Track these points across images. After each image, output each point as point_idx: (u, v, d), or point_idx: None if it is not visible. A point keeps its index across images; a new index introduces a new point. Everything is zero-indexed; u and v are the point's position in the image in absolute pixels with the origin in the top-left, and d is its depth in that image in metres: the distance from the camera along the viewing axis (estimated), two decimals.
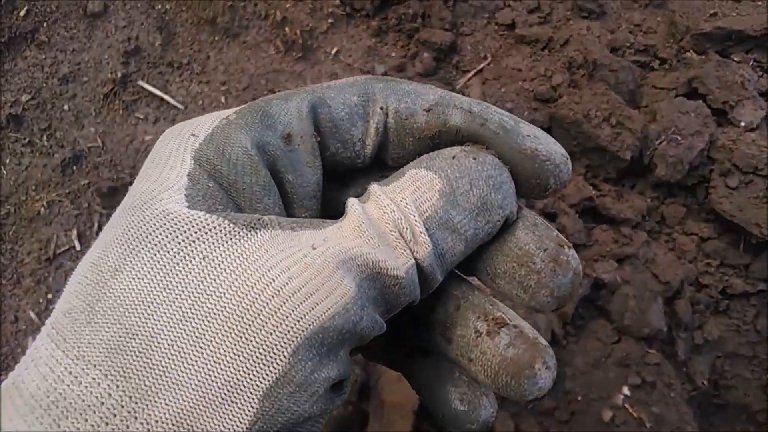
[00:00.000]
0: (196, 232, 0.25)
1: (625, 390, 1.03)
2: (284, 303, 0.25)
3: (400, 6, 1.47)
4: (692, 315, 1.13)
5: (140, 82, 1.37)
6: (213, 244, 0.25)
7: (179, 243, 0.25)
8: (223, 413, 0.23)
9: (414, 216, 0.29)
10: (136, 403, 0.23)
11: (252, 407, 0.23)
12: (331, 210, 0.35)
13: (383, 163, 0.36)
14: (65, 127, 1.34)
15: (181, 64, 1.41)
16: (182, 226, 0.25)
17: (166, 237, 0.25)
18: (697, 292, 1.15)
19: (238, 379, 0.23)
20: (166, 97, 1.35)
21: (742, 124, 1.21)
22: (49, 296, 1.15)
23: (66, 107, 1.37)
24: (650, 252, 1.15)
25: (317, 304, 0.25)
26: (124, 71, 1.38)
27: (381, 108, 0.33)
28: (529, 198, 0.33)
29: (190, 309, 0.24)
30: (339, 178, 0.36)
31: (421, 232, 0.28)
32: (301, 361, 0.24)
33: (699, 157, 1.18)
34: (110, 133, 1.33)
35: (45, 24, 1.46)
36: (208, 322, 0.24)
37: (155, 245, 0.25)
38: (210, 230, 0.26)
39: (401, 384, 0.97)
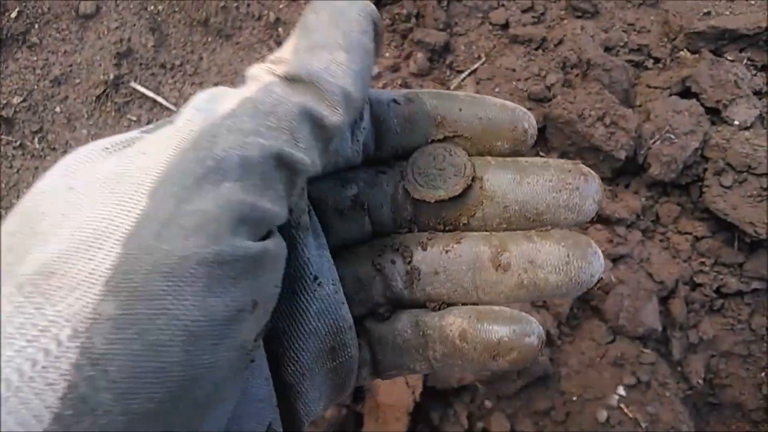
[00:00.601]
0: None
1: (621, 390, 1.03)
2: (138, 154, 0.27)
3: (393, 6, 1.47)
4: (687, 314, 1.13)
5: (133, 84, 1.36)
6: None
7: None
8: (87, 258, 0.23)
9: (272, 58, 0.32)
10: (23, 253, 0.24)
11: (114, 250, 0.23)
12: (333, 210, 0.37)
13: (379, 159, 0.39)
14: (57, 129, 1.34)
15: (174, 65, 1.40)
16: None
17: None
18: (691, 291, 1.15)
19: (102, 228, 0.24)
20: (158, 98, 1.35)
21: (736, 122, 1.21)
22: None
23: (58, 109, 1.36)
24: (645, 251, 1.15)
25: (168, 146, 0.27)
26: (116, 73, 1.37)
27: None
28: (518, 150, 0.38)
29: (71, 188, 0.27)
30: (337, 177, 0.38)
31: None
32: (162, 199, 0.25)
33: (693, 156, 1.18)
34: (103, 135, 1.32)
35: (37, 25, 1.45)
36: (81, 193, 0.26)
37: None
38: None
39: (396, 385, 0.96)
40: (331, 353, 0.35)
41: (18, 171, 1.27)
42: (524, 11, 1.49)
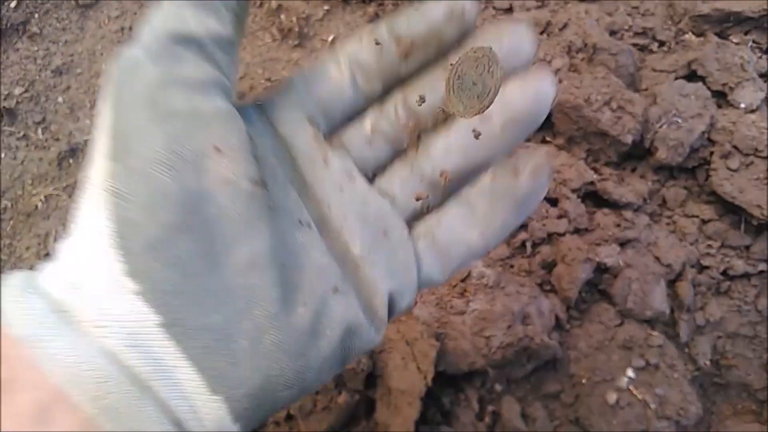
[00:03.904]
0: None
1: (629, 372, 1.04)
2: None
3: None
4: (694, 296, 1.14)
5: None
6: None
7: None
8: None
9: None
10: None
11: (105, 107, 0.34)
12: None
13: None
14: (60, 120, 1.33)
15: None
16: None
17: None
18: (698, 273, 1.16)
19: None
20: None
21: (742, 105, 1.21)
22: None
23: (60, 100, 1.35)
24: (652, 235, 1.15)
25: None
26: None
27: None
28: (466, 32, 0.42)
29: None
30: None
31: None
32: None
33: (700, 139, 1.18)
34: None
35: (36, 15, 1.44)
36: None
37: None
38: None
39: (408, 371, 0.97)
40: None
41: (22, 162, 1.27)
42: None
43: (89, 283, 0.30)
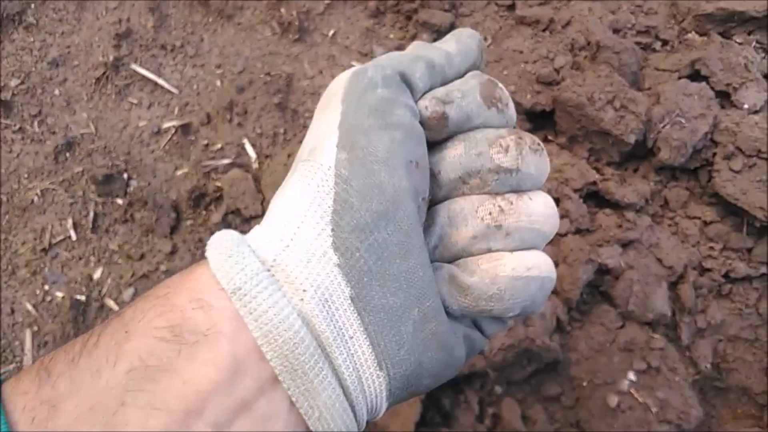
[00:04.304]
0: None
1: (631, 375, 1.03)
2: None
3: None
4: (695, 299, 1.13)
5: (133, 66, 1.33)
6: None
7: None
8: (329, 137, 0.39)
9: None
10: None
11: (338, 105, 0.39)
12: None
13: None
14: (56, 112, 1.31)
15: (175, 46, 1.37)
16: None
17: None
18: (700, 276, 1.15)
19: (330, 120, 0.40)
20: (159, 81, 1.32)
21: (746, 106, 1.20)
22: (46, 287, 1.13)
23: (57, 92, 1.33)
24: (654, 236, 1.15)
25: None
26: (116, 54, 1.34)
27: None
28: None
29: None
30: None
31: None
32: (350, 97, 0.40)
33: (702, 140, 1.17)
34: (103, 119, 1.30)
35: (33, 5, 1.42)
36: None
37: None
38: None
39: None
40: None
41: (18, 156, 1.25)
42: None
43: (299, 247, 0.34)
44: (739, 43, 1.31)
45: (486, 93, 0.41)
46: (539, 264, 0.40)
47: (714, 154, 1.19)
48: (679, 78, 1.26)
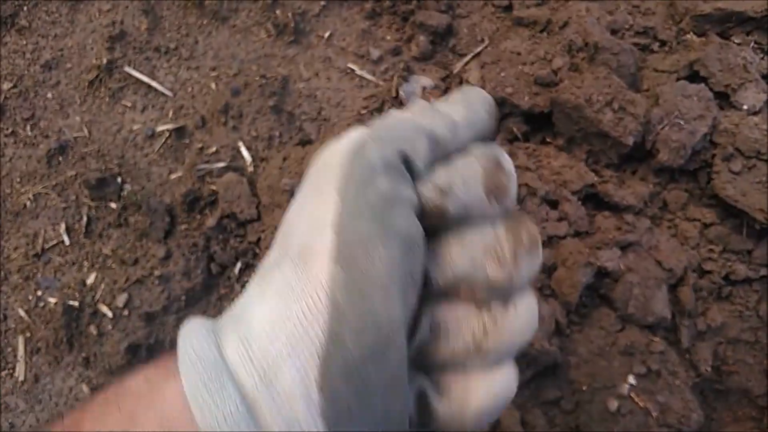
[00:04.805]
0: None
1: (631, 379, 1.02)
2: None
3: None
4: (695, 301, 1.12)
5: (127, 69, 1.32)
6: None
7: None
8: (319, 238, 0.35)
9: None
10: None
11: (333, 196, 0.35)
12: None
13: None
14: (49, 116, 1.30)
15: (169, 49, 1.36)
16: None
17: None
18: (699, 278, 1.14)
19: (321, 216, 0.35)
20: (153, 83, 1.31)
21: (745, 107, 1.20)
22: (39, 293, 1.11)
23: (50, 95, 1.32)
24: (653, 239, 1.14)
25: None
26: (109, 57, 1.33)
27: None
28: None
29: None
30: None
31: None
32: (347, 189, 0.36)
33: (701, 141, 1.16)
34: (96, 122, 1.29)
35: (25, 8, 1.40)
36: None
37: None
38: None
39: None
40: None
41: (10, 160, 1.23)
42: None
43: (282, 386, 0.32)
44: (738, 44, 1.31)
45: (490, 183, 0.38)
46: (507, 387, 0.39)
47: (713, 156, 1.18)
48: (678, 79, 1.25)
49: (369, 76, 1.34)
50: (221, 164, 1.22)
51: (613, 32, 1.36)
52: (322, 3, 1.42)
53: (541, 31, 1.37)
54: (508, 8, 1.42)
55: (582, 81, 1.18)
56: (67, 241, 1.16)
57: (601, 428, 1.00)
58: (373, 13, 1.42)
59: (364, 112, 1.30)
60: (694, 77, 1.26)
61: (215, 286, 1.14)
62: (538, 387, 1.04)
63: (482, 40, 1.39)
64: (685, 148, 1.15)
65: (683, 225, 1.17)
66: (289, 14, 1.38)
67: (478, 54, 1.37)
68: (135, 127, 1.27)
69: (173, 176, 1.22)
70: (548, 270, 1.10)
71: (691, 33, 1.35)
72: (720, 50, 1.24)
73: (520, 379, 1.00)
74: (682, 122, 1.16)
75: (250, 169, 1.22)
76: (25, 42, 1.37)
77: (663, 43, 1.36)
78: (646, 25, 1.38)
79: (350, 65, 1.35)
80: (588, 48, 1.28)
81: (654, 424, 0.99)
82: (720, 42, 1.26)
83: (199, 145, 1.25)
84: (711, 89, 1.22)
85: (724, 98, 1.22)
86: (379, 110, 1.30)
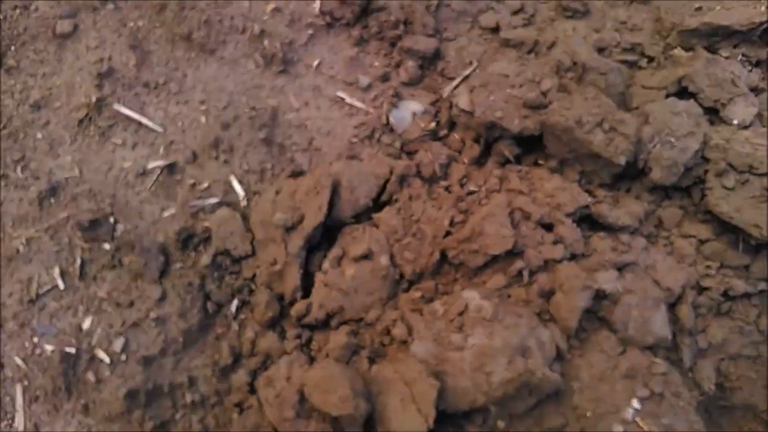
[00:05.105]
0: None
1: (634, 403, 1.02)
2: None
3: (381, 13, 1.43)
4: (695, 319, 1.12)
5: (116, 106, 1.31)
6: None
7: None
8: None
9: None
10: None
11: None
12: None
13: None
14: (40, 157, 1.29)
15: (158, 83, 1.36)
16: None
17: None
18: (698, 295, 1.14)
19: None
20: (143, 120, 1.30)
21: (735, 122, 1.20)
22: (35, 340, 1.11)
23: (39, 135, 1.31)
24: (650, 258, 1.14)
25: None
26: (98, 95, 1.32)
27: None
28: None
29: None
30: None
31: None
32: None
33: (693, 158, 1.16)
34: (87, 161, 1.28)
35: (13, 47, 1.40)
36: None
37: None
38: None
39: (408, 413, 0.94)
40: None
41: (1, 204, 1.22)
42: (514, 13, 1.46)
43: None
44: (726, 57, 1.31)
45: None
46: None
47: (706, 171, 1.18)
48: (667, 95, 1.26)
49: (359, 104, 1.34)
50: (214, 200, 1.21)
51: (601, 50, 1.36)
52: (310, 32, 1.42)
53: (529, 52, 1.37)
54: (495, 30, 1.42)
55: (571, 102, 1.18)
56: (61, 285, 1.15)
57: None
58: (360, 40, 1.42)
59: (354, 140, 1.30)
60: (682, 93, 1.26)
61: (212, 325, 1.13)
62: (542, 415, 1.03)
63: (470, 63, 1.39)
64: (677, 165, 1.15)
65: (679, 242, 1.17)
66: (277, 44, 1.38)
67: (467, 77, 1.36)
68: (126, 165, 1.27)
69: (166, 214, 1.22)
70: (546, 295, 1.09)
71: (679, 48, 1.36)
72: (708, 65, 1.24)
73: (523, 407, 1.00)
74: (672, 140, 1.16)
75: (243, 203, 1.22)
76: (13, 82, 1.36)
77: (651, 59, 1.37)
78: (633, 41, 1.38)
79: (339, 93, 1.35)
80: (576, 68, 1.28)
81: None
82: (707, 57, 1.26)
83: (191, 181, 1.24)
84: (700, 105, 1.22)
85: (713, 113, 1.23)
86: (370, 138, 1.30)
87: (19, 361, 1.09)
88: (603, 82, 1.23)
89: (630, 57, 1.37)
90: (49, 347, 1.08)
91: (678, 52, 1.35)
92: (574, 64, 1.29)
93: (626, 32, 1.41)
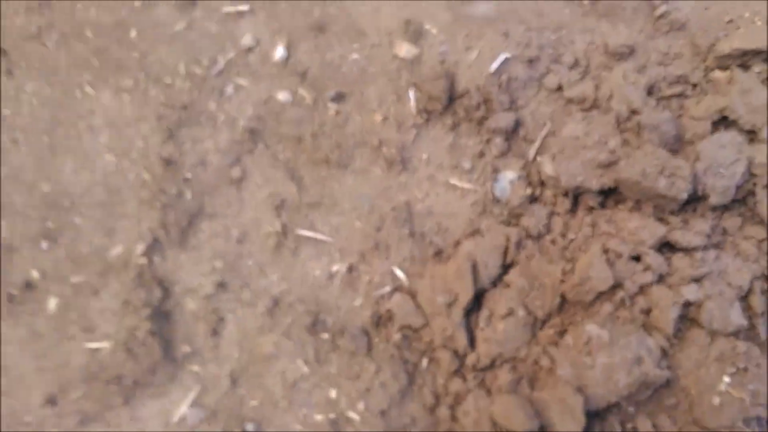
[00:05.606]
0: None
1: (726, 378, 1.41)
2: None
3: (463, 99, 1.80)
4: (765, 303, 1.48)
5: (298, 231, 1.80)
6: None
7: None
8: None
9: None
10: None
11: None
12: None
13: None
14: (255, 279, 1.81)
15: (317, 202, 1.83)
16: None
17: None
18: (765, 283, 1.49)
19: None
20: (318, 236, 1.79)
21: None
22: (304, 411, 1.66)
23: (250, 263, 1.83)
24: (721, 264, 1.49)
25: None
26: (281, 222, 1.81)
27: None
28: None
29: None
30: None
31: None
32: None
33: (742, 178, 1.49)
34: (289, 277, 1.79)
35: (206, 197, 1.91)
36: None
37: None
38: None
39: (564, 422, 1.40)
40: None
41: (241, 319, 1.77)
42: (570, 68, 1.78)
43: None
44: (758, 72, 1.58)
45: None
46: None
47: (754, 184, 1.50)
48: (712, 124, 1.56)
49: (467, 185, 1.75)
50: (388, 288, 1.69)
51: (650, 90, 1.67)
52: (414, 131, 1.82)
53: (590, 109, 1.70)
54: (559, 89, 1.75)
55: (635, 159, 1.52)
56: (306, 370, 1.69)
57: (713, 418, 1.41)
58: (453, 125, 1.81)
59: (473, 217, 1.72)
60: (725, 120, 1.56)
61: (414, 380, 1.62)
62: (660, 397, 1.46)
63: (544, 123, 1.74)
64: (729, 189, 1.48)
65: (743, 244, 1.52)
66: (393, 149, 1.80)
67: (545, 137, 1.72)
68: (317, 273, 1.77)
69: (356, 303, 1.71)
70: (646, 311, 1.49)
71: (717, 69, 1.64)
72: (743, 95, 1.53)
73: (645, 395, 1.43)
74: (722, 170, 1.49)
75: (407, 284, 1.69)
76: (218, 225, 1.88)
77: (695, 86, 1.66)
78: (677, 73, 1.67)
79: (451, 180, 1.76)
80: (632, 118, 1.61)
81: (749, 406, 1.39)
82: (743, 86, 1.54)
83: (367, 277, 1.72)
84: (741, 129, 1.53)
85: (753, 134, 1.53)
86: (483, 212, 1.71)
87: (299, 427, 1.65)
88: (657, 136, 1.55)
89: (677, 89, 1.66)
90: (319, 417, 1.63)
91: (716, 74, 1.63)
92: (632, 112, 1.62)
93: (670, 65, 1.70)
